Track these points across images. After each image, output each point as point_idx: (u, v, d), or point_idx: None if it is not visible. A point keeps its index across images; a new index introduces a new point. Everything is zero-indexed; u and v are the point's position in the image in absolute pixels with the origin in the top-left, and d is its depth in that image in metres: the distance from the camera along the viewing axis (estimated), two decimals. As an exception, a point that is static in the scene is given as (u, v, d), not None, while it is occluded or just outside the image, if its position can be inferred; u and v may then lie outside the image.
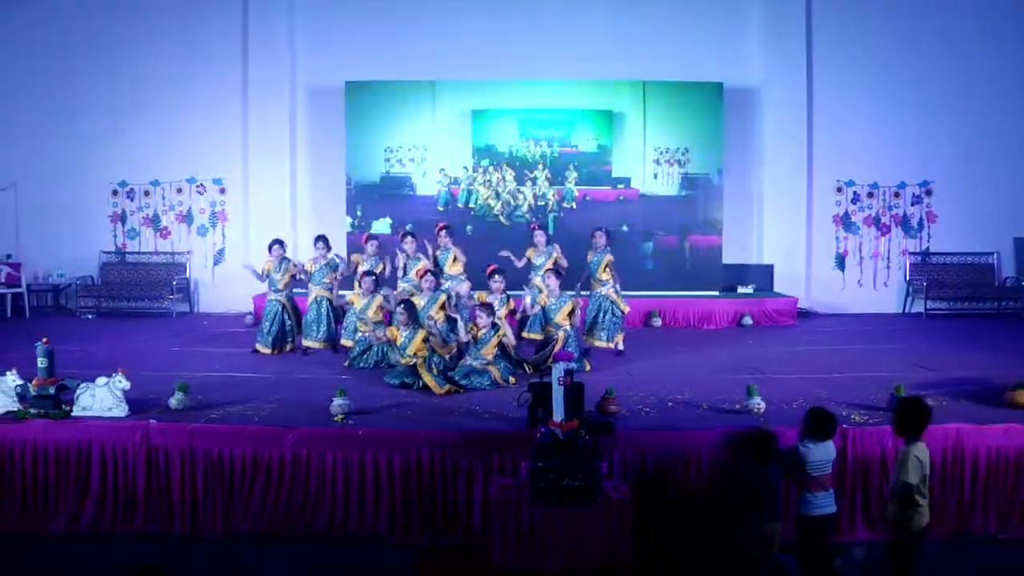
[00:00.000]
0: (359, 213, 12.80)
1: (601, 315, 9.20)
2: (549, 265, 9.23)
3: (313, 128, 13.38)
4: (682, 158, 12.76)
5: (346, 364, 8.58)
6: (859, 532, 5.76)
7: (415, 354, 7.64)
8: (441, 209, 12.67)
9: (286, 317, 9.43)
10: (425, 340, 7.72)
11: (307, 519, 5.83)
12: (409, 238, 9.49)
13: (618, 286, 9.30)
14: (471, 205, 12.75)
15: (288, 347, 9.45)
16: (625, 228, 12.66)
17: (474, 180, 12.77)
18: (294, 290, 9.68)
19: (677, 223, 12.81)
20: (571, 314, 8.44)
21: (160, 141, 13.24)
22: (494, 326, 7.81)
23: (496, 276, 8.46)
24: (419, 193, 12.85)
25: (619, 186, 12.84)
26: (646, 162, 12.81)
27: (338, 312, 9.41)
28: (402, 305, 7.90)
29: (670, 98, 12.79)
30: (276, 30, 13.09)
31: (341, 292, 9.64)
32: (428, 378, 7.29)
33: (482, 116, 12.83)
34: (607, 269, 9.22)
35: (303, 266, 9.50)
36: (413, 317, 7.85)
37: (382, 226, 12.55)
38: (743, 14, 13.14)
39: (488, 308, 7.88)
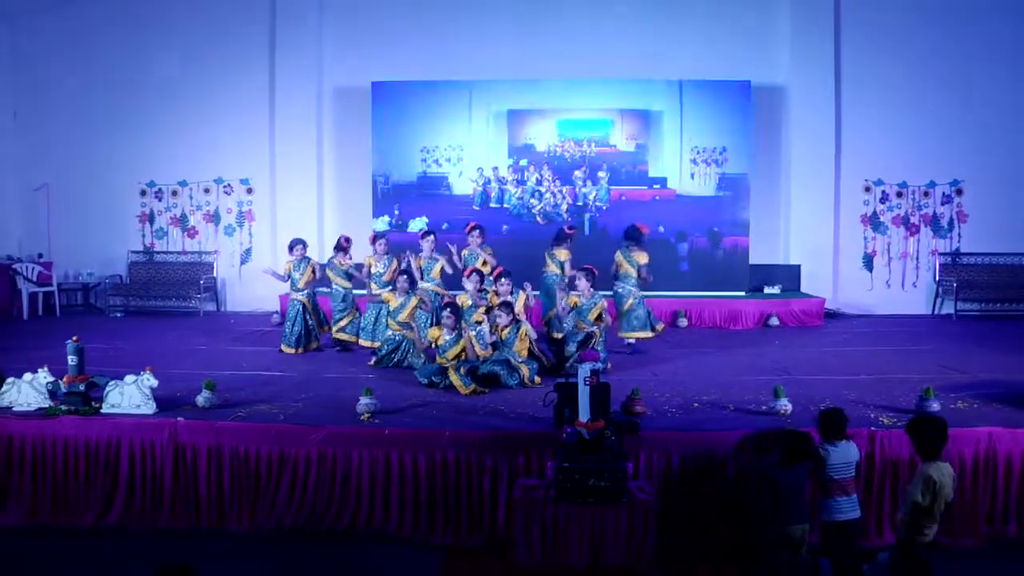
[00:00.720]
0: (396, 212, 12.89)
1: (635, 309, 9.22)
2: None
3: (340, 129, 13.45)
4: (719, 158, 12.69)
5: (371, 363, 8.60)
6: (887, 536, 5.64)
7: (451, 358, 7.64)
8: (477, 208, 12.71)
9: (307, 317, 9.45)
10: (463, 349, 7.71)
11: (332, 517, 5.85)
12: (430, 237, 9.48)
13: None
14: (505, 205, 12.76)
15: (313, 346, 9.49)
16: (661, 229, 12.63)
17: (506, 180, 12.80)
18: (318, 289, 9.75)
19: (711, 224, 12.74)
20: (600, 317, 8.41)
21: (188, 142, 13.38)
22: (516, 323, 7.80)
23: (503, 279, 8.41)
24: (455, 193, 12.91)
25: (655, 186, 12.79)
26: (683, 162, 12.74)
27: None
28: (448, 309, 7.85)
29: (706, 97, 12.71)
30: (304, 31, 13.17)
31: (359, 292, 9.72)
32: (455, 378, 7.28)
33: (518, 116, 12.86)
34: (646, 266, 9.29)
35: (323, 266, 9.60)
36: (459, 321, 7.82)
37: (419, 225, 12.61)
38: (772, 11, 13.04)
39: (507, 307, 7.85)
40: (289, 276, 9.53)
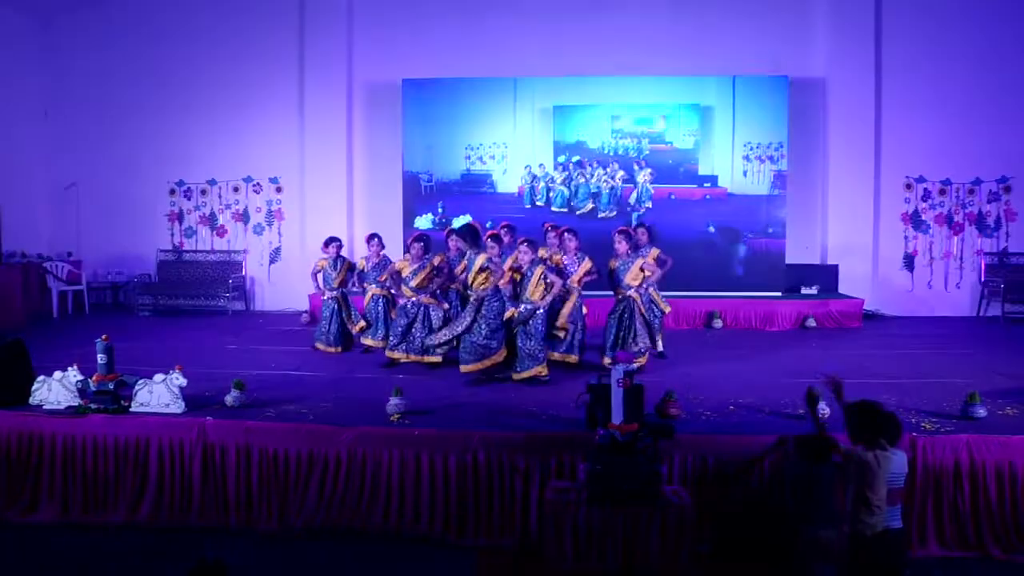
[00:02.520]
0: (441, 210, 12.94)
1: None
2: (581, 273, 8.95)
3: (370, 127, 13.49)
4: (775, 154, 12.50)
5: (387, 352, 8.49)
6: (931, 547, 5.50)
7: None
8: (528, 207, 12.77)
9: (344, 316, 9.45)
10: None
11: (362, 517, 5.82)
12: (454, 236, 9.29)
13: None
14: (555, 207, 12.72)
15: (351, 345, 9.49)
16: (712, 228, 12.53)
17: (554, 180, 12.79)
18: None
19: (764, 223, 12.59)
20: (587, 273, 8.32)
21: (217, 140, 13.48)
22: (532, 262, 7.74)
23: (568, 235, 8.29)
24: (499, 191, 12.91)
25: (705, 184, 12.66)
26: (734, 159, 12.59)
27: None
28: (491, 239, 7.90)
29: (749, 93, 12.54)
30: (333, 29, 13.21)
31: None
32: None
33: (564, 112, 12.82)
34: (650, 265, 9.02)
35: (356, 264, 9.52)
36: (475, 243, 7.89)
37: (462, 222, 12.57)
38: (810, 2, 12.85)
39: (532, 244, 7.81)
40: (323, 273, 9.58)
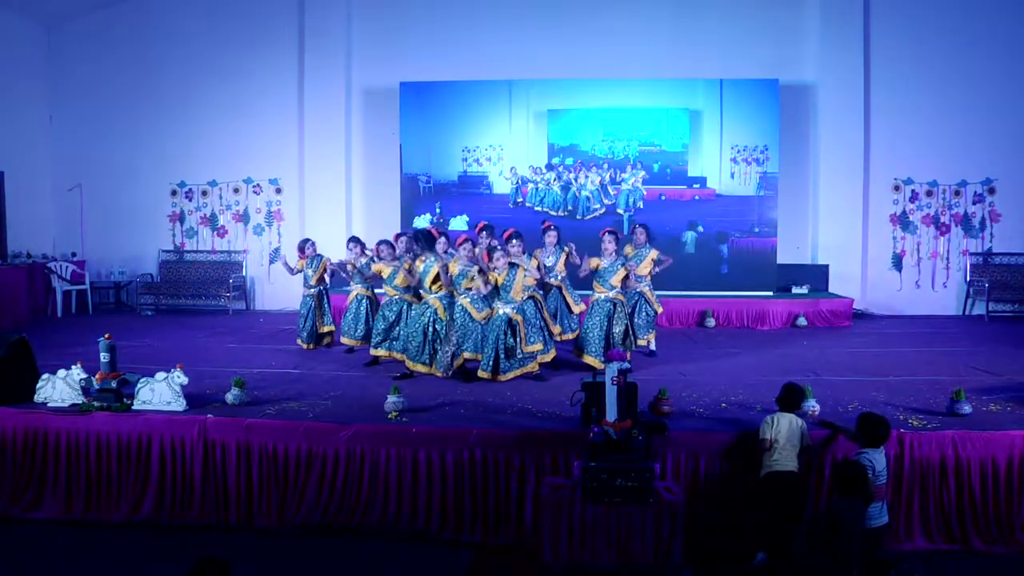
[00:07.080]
0: (438, 210, 13.07)
1: (636, 313, 9.06)
2: (560, 265, 9.04)
3: (369, 129, 13.58)
4: (760, 156, 12.62)
5: (371, 350, 8.51)
6: (918, 540, 5.59)
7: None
8: (512, 206, 12.91)
9: (320, 313, 9.58)
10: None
11: (360, 514, 5.88)
12: (443, 239, 9.28)
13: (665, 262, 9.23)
14: (544, 208, 12.83)
15: (326, 341, 9.59)
16: (700, 229, 12.65)
17: (549, 182, 12.89)
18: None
19: (751, 223, 12.71)
20: (626, 278, 8.31)
21: (218, 142, 13.56)
22: (512, 265, 7.81)
23: (513, 240, 8.28)
24: (495, 192, 13.03)
25: (695, 185, 12.78)
26: (723, 161, 12.71)
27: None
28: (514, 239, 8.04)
29: (739, 96, 12.66)
30: (332, 33, 13.29)
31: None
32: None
33: (558, 116, 12.93)
34: (649, 265, 9.12)
35: (345, 263, 9.60)
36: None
37: (459, 223, 12.80)
38: (801, 9, 12.97)
39: (503, 252, 7.85)
40: (302, 273, 9.67)
